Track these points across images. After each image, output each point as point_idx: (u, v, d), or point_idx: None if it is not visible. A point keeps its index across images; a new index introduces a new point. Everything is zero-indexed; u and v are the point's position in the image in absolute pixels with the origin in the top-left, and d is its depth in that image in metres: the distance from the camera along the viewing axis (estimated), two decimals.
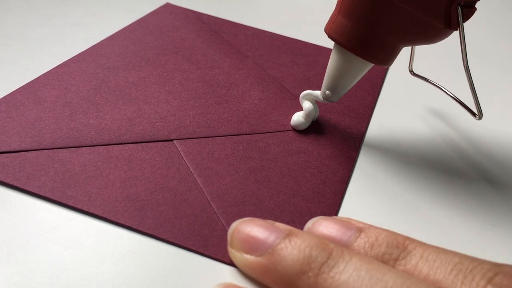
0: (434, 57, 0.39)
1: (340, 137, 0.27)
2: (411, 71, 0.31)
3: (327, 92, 0.26)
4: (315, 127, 0.28)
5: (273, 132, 0.27)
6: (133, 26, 0.36)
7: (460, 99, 0.27)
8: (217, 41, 0.36)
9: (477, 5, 0.23)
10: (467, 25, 0.24)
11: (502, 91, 0.36)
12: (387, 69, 0.36)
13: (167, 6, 0.41)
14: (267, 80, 0.32)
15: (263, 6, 0.45)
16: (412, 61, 0.31)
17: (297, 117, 0.27)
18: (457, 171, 0.26)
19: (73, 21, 0.36)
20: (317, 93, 0.27)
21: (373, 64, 0.24)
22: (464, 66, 0.24)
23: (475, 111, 0.25)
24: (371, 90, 0.33)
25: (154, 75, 0.31)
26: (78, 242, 0.19)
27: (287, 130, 0.27)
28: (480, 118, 0.25)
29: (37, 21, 0.35)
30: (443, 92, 0.29)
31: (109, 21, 0.37)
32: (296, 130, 0.27)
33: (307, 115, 0.27)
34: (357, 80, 0.25)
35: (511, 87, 0.37)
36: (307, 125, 0.27)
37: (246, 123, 0.27)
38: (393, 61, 0.25)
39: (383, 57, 0.24)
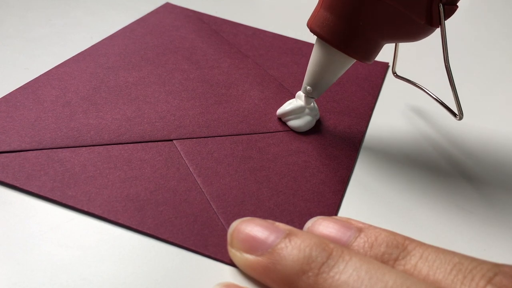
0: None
1: (340, 137, 0.27)
2: (394, 73, 0.31)
3: (308, 87, 0.26)
4: (315, 127, 0.28)
5: (273, 132, 0.27)
6: (133, 25, 0.36)
7: (442, 100, 0.27)
8: (217, 41, 0.36)
9: (459, 3, 0.23)
10: (450, 24, 0.24)
11: (498, 91, 0.36)
12: (387, 69, 0.36)
13: (167, 5, 0.41)
14: (267, 80, 0.32)
15: (263, 6, 0.45)
16: (396, 63, 0.31)
17: (293, 122, 0.27)
18: (458, 170, 0.26)
19: (73, 21, 0.36)
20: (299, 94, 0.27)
21: (355, 60, 0.24)
22: (445, 65, 0.24)
23: (456, 111, 0.25)
24: (371, 90, 0.33)
25: (154, 75, 0.31)
26: (78, 242, 0.19)
27: (287, 130, 0.27)
28: (460, 118, 0.25)
29: (37, 20, 0.35)
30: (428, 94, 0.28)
31: (109, 21, 0.37)
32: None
33: (301, 118, 0.27)
34: (339, 76, 0.25)
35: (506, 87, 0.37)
36: (307, 126, 0.27)
37: (246, 123, 0.27)
38: (375, 57, 0.24)
39: (365, 52, 0.23)
